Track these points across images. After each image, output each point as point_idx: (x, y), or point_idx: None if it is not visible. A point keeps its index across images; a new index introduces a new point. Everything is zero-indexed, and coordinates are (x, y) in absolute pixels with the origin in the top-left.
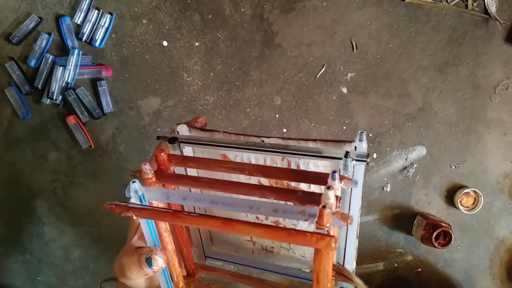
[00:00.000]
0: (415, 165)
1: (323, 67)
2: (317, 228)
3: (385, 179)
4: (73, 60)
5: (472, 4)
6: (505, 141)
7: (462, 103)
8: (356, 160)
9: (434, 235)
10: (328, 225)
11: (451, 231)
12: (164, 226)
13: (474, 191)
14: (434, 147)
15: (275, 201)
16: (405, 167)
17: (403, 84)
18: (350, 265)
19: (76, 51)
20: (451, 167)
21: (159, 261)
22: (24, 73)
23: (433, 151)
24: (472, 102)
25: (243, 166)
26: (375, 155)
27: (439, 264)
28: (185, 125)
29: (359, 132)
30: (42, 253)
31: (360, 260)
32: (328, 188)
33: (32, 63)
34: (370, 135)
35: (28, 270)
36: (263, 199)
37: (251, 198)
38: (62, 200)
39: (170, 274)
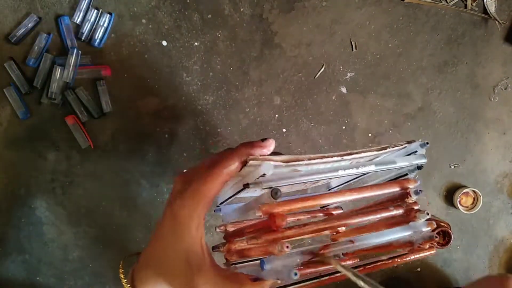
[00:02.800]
0: None
1: (322, 67)
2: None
3: None
4: (72, 59)
5: (471, 4)
6: (504, 141)
7: (461, 102)
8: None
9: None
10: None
11: (450, 231)
12: None
13: (473, 190)
14: (434, 146)
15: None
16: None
17: (402, 84)
18: None
19: (75, 50)
20: (450, 166)
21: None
22: (23, 72)
23: (432, 150)
24: (471, 101)
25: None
26: None
27: (438, 264)
28: (270, 163)
29: (421, 142)
30: (41, 253)
31: None
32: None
33: (31, 62)
34: (370, 135)
35: (27, 270)
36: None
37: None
38: (61, 200)
39: None
